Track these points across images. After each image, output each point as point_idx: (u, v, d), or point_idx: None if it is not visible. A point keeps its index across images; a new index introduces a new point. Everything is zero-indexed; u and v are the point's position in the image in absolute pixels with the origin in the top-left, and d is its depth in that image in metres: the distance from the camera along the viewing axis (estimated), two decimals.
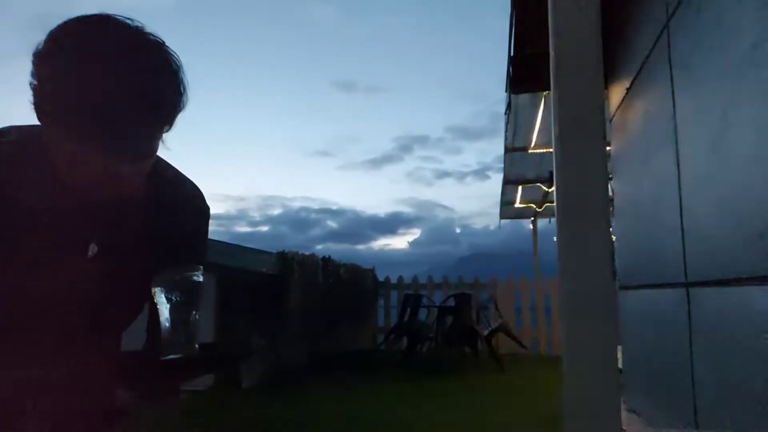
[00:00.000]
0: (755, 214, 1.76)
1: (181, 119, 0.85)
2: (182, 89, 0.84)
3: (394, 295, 9.24)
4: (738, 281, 1.91)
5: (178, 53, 0.81)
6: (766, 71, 1.70)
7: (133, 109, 0.78)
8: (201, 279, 0.82)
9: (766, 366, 1.71)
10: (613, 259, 5.78)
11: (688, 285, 2.42)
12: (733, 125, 1.95)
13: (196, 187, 1.08)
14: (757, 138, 1.77)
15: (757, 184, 1.76)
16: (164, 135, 0.86)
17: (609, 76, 4.05)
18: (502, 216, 10.33)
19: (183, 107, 0.85)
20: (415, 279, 9.37)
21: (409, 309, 7.57)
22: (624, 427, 1.01)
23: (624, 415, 3.43)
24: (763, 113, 1.74)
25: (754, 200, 1.78)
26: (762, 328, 1.74)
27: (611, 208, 4.43)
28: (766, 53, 1.69)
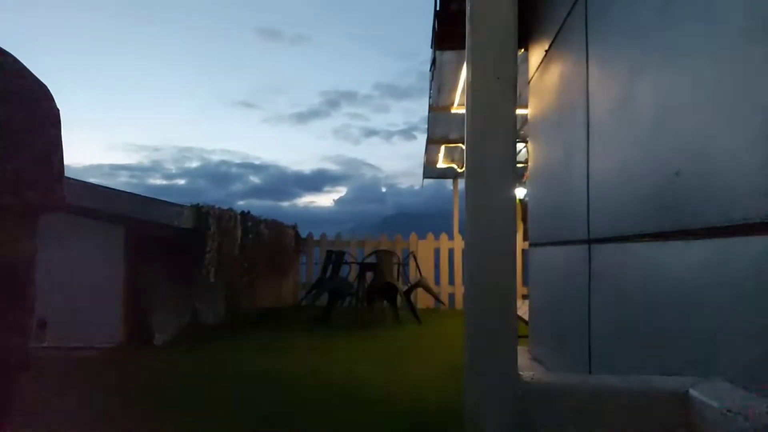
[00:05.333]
0: (653, 176, 1.88)
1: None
2: None
3: (317, 252, 9.26)
4: (633, 237, 2.06)
5: None
6: (671, 35, 1.79)
7: None
8: None
9: (653, 314, 1.87)
10: (524, 218, 5.99)
11: (590, 242, 2.58)
12: (638, 89, 2.06)
13: (46, 87, 1.02)
14: (658, 102, 1.88)
15: (656, 147, 1.88)
16: None
17: (529, 39, 4.13)
18: (426, 176, 10.47)
19: None
20: (338, 236, 9.40)
21: (331, 265, 7.61)
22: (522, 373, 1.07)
23: (527, 363, 3.67)
24: (664, 78, 1.84)
25: (651, 162, 1.90)
26: (653, 280, 1.89)
27: (526, 171, 4.60)
28: (671, 18, 1.78)
